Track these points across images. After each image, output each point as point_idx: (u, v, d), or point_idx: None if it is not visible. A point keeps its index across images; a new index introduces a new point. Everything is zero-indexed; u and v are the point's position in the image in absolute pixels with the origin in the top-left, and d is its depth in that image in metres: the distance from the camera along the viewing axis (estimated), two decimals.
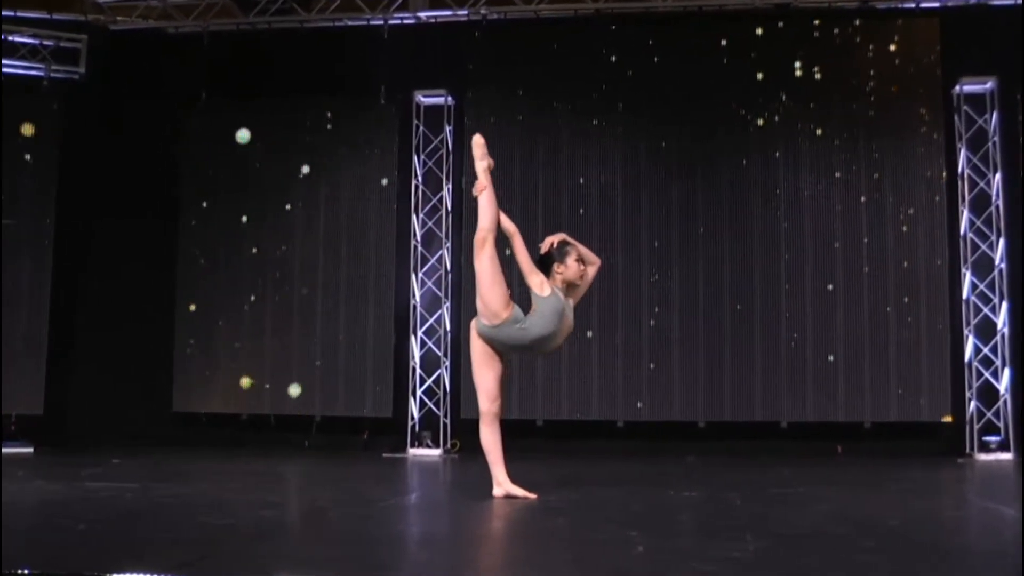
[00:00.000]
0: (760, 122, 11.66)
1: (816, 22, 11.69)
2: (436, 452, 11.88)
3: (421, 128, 12.51)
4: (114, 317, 12.56)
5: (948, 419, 11.21)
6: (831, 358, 11.37)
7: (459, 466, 10.64)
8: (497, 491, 6.59)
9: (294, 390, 11.76)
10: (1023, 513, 5.76)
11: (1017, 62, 10.86)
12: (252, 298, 12.35)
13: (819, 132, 11.62)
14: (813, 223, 11.61)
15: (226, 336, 12.37)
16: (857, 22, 11.69)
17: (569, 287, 6.70)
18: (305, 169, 12.09)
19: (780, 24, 11.72)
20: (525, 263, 6.58)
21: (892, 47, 11.58)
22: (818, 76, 11.58)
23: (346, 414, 12.12)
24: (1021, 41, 10.77)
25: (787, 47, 11.66)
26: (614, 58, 11.92)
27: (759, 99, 11.70)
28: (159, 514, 5.82)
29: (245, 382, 11.89)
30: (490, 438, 6.62)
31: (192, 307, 12.38)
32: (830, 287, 11.46)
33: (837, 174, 11.60)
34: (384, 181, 12.26)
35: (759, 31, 11.68)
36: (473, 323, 6.74)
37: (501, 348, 6.63)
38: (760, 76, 11.59)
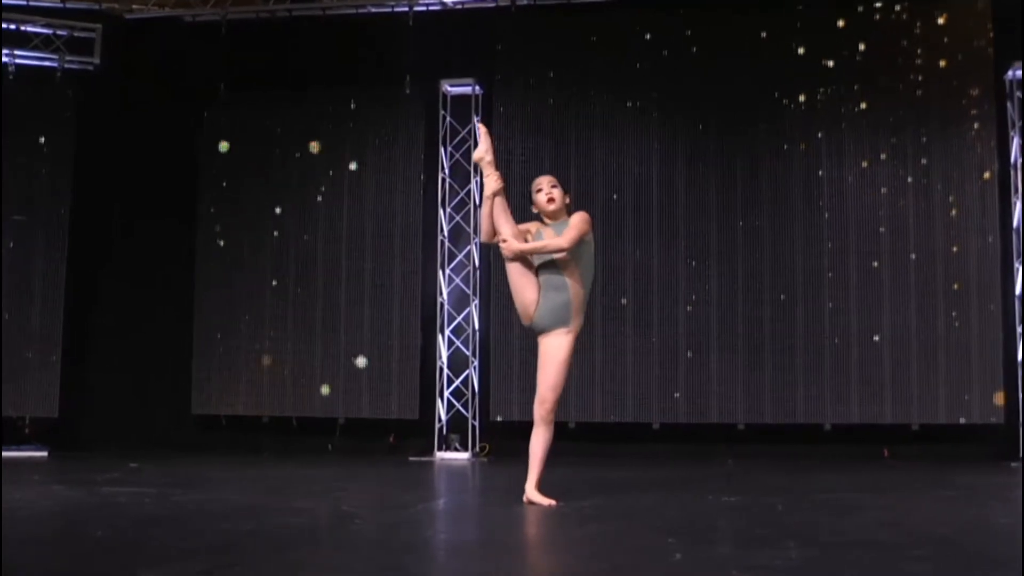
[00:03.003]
0: (802, 98, 11.56)
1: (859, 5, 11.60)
2: (465, 455, 11.91)
3: (448, 119, 12.53)
4: (131, 316, 12.65)
5: (1000, 400, 11.10)
6: (876, 338, 11.28)
7: (489, 470, 10.65)
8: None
9: (325, 389, 11.85)
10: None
11: None
12: (273, 294, 12.39)
13: (863, 106, 11.50)
14: (857, 209, 11.54)
15: (247, 336, 12.42)
16: (906, 2, 11.58)
17: (552, 217, 6.74)
18: (329, 162, 12.14)
19: (823, 5, 11.63)
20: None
21: (942, 28, 11.44)
22: (860, 56, 11.43)
23: (371, 416, 12.16)
24: None
25: (830, 24, 11.50)
26: (648, 36, 11.86)
27: (800, 79, 11.63)
28: (179, 520, 5.86)
29: (267, 360, 12.00)
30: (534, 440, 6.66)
31: (211, 309, 12.47)
32: (875, 264, 11.37)
33: (883, 156, 11.51)
34: (410, 174, 12.28)
35: (800, 7, 11.62)
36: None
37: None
38: (801, 53, 11.46)
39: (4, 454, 10.91)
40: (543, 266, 6.60)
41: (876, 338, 11.31)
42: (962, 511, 6.74)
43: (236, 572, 4.27)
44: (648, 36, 11.90)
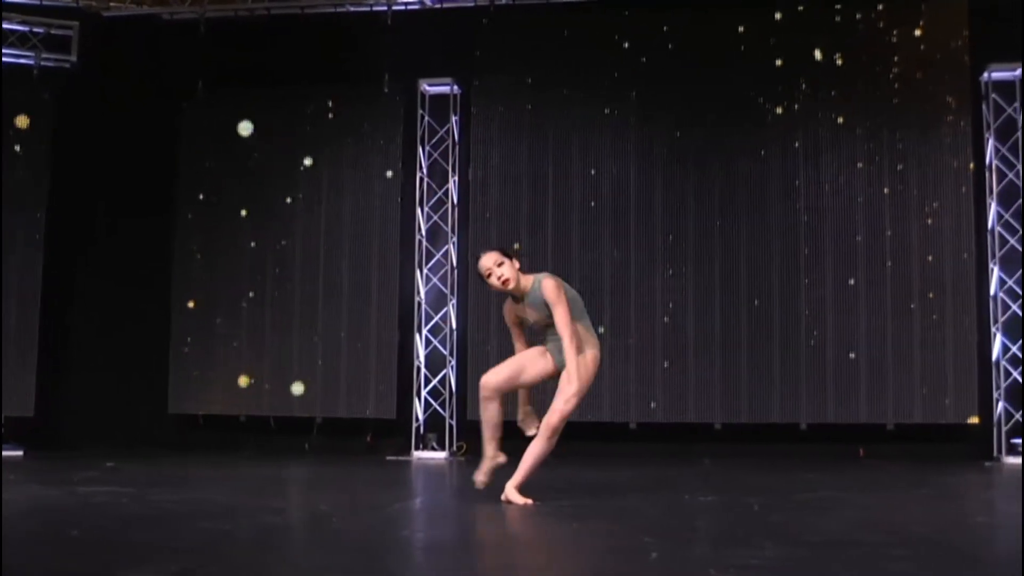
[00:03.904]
0: (779, 110, 11.67)
1: (838, 6, 11.66)
2: (442, 455, 11.90)
3: (426, 118, 12.52)
4: (109, 315, 12.60)
5: (974, 420, 11.20)
6: (852, 356, 11.37)
7: (466, 469, 10.64)
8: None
9: (297, 388, 11.83)
10: (1023, 512, 5.75)
11: None
12: (251, 295, 12.38)
13: (840, 120, 11.61)
14: (834, 215, 11.60)
15: (224, 335, 12.40)
16: (880, 6, 11.66)
17: (518, 292, 6.68)
18: (307, 161, 12.15)
19: (800, 8, 11.70)
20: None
21: (917, 32, 11.57)
22: (839, 62, 11.57)
23: (348, 416, 12.14)
24: None
25: (807, 32, 11.65)
26: (627, 44, 11.92)
27: (778, 87, 11.71)
28: (157, 520, 5.84)
29: (243, 380, 11.98)
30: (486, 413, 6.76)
31: (191, 304, 12.43)
32: (851, 282, 11.46)
33: (859, 164, 11.59)
34: (389, 173, 12.30)
35: (778, 16, 11.68)
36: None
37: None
38: (779, 63, 11.61)
39: None
40: (548, 333, 6.66)
41: (852, 355, 11.37)
42: (939, 510, 6.78)
43: (214, 572, 4.25)
44: (627, 38, 11.92)
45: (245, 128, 10.98)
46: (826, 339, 11.45)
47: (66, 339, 12.71)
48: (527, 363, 6.75)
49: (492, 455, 6.73)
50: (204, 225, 12.53)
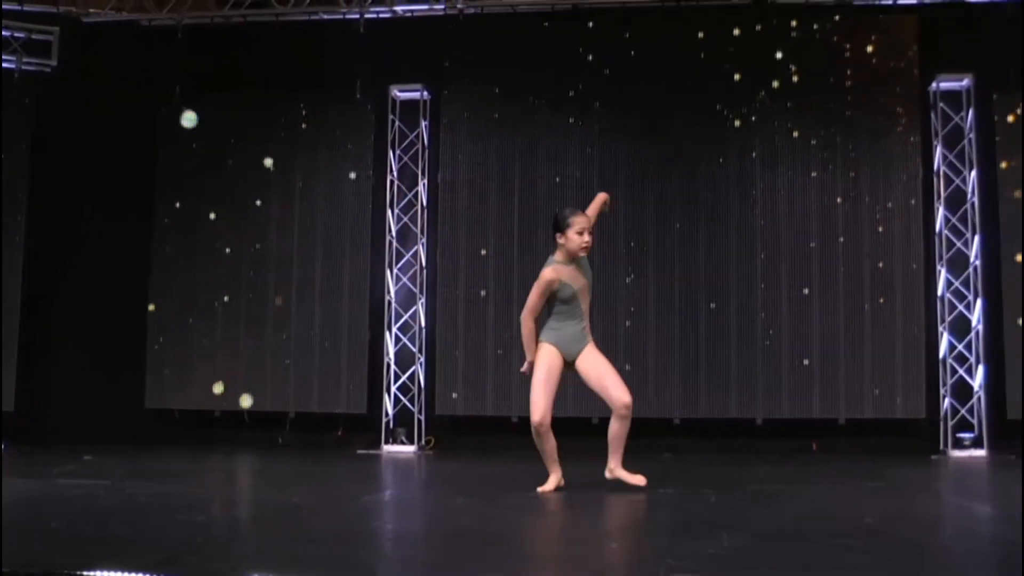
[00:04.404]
0: (737, 123, 11.74)
1: (794, 23, 11.75)
2: (411, 449, 11.87)
3: (397, 123, 12.50)
4: (88, 313, 12.51)
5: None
6: (806, 362, 11.44)
7: (434, 463, 10.65)
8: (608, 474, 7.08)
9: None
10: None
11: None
12: (226, 295, 12.32)
13: (796, 135, 11.70)
14: (790, 223, 11.65)
15: (199, 332, 12.32)
16: (837, 17, 11.74)
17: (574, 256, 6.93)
18: (268, 162, 12.15)
19: (758, 28, 11.78)
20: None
21: (870, 47, 11.66)
22: (795, 79, 11.65)
23: (320, 410, 12.09)
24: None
25: (765, 45, 11.72)
26: (591, 57, 11.96)
27: (737, 97, 11.75)
28: (133, 512, 5.81)
29: (218, 388, 11.95)
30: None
31: (157, 305, 12.40)
32: (805, 291, 11.53)
33: (813, 173, 11.67)
34: (352, 175, 12.26)
35: (736, 32, 11.75)
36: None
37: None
38: (737, 77, 11.69)
39: None
40: (576, 303, 6.97)
41: (806, 362, 11.44)
42: (887, 501, 6.83)
43: (190, 562, 4.24)
44: (591, 51, 11.95)
45: (188, 120, 10.91)
46: (781, 339, 11.51)
47: (46, 337, 12.61)
48: (549, 376, 7.00)
49: (559, 479, 7.07)
50: (181, 225, 12.44)
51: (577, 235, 6.85)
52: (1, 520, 5.15)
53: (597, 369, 7.06)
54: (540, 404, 6.90)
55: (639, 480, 6.97)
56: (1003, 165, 11.46)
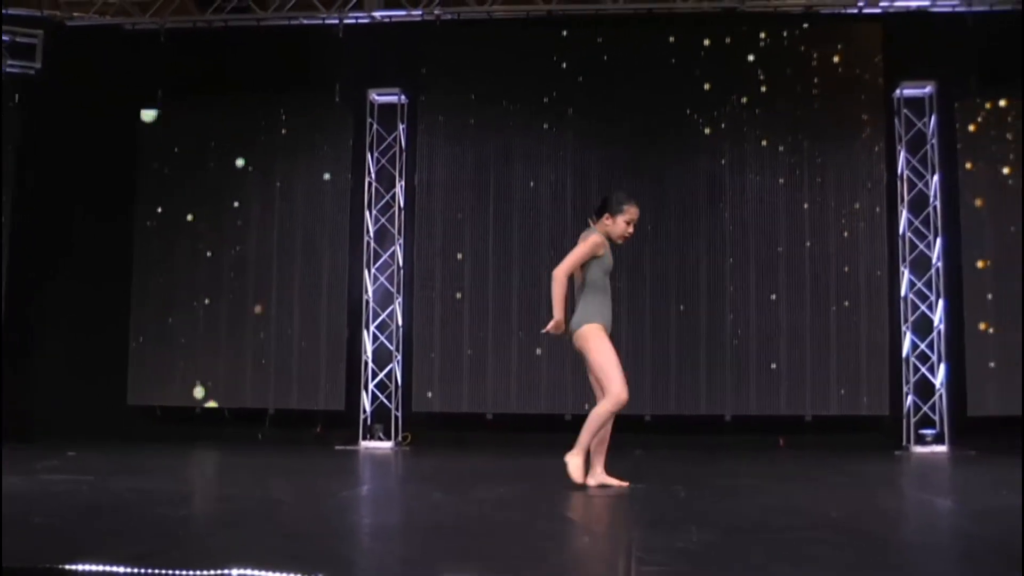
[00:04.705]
0: (707, 130, 11.81)
1: (762, 35, 11.83)
2: (388, 445, 11.88)
3: (375, 126, 12.50)
4: (72, 311, 12.46)
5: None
6: (774, 366, 11.53)
7: (410, 458, 10.66)
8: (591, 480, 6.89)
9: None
10: None
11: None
12: (206, 294, 12.29)
13: (764, 142, 11.78)
14: (757, 227, 11.73)
15: (180, 330, 12.30)
16: (805, 25, 11.83)
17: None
18: (239, 162, 12.16)
19: (728, 40, 11.86)
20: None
21: (836, 56, 11.78)
22: (764, 87, 11.75)
23: (299, 407, 12.09)
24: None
25: (734, 53, 11.82)
26: (565, 64, 12.01)
27: (707, 103, 11.84)
28: (116, 506, 5.80)
29: (199, 392, 11.96)
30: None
31: (139, 304, 12.36)
32: (773, 297, 11.60)
33: (781, 179, 11.74)
34: (326, 176, 12.29)
35: (707, 42, 11.84)
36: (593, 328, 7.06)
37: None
38: (707, 87, 11.81)
39: None
40: (603, 280, 7.03)
41: (773, 366, 11.52)
42: (851, 496, 6.88)
43: (170, 557, 4.24)
44: (565, 62, 12.01)
45: (148, 115, 10.89)
46: (749, 339, 11.57)
47: (30, 336, 12.54)
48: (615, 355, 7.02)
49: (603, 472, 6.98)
50: (163, 226, 12.42)
51: (625, 223, 6.99)
52: (1, 520, 5.16)
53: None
54: (621, 379, 6.93)
55: (623, 484, 6.92)
56: (967, 166, 11.57)
